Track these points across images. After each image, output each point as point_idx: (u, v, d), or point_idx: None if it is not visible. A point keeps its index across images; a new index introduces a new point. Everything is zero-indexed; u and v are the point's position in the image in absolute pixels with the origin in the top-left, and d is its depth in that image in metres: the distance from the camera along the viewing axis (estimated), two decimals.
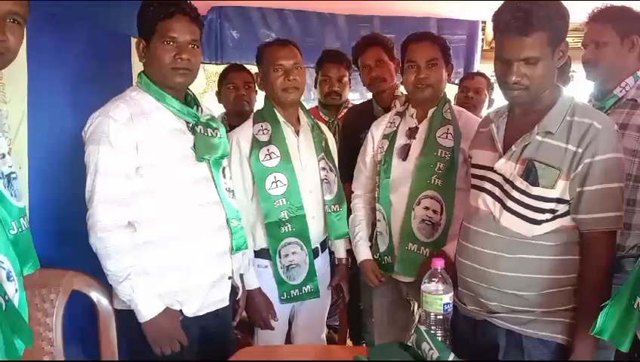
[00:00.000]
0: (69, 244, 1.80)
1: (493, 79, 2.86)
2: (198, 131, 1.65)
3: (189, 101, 1.70)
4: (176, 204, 1.59)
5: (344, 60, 2.76)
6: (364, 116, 2.51)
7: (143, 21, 1.60)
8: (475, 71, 3.61)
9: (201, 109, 1.71)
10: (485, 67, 3.65)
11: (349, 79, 2.83)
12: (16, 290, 1.14)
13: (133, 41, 2.42)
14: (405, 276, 1.98)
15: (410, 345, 1.33)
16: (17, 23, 1.14)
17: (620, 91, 1.88)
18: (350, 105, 2.86)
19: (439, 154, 1.91)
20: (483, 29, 3.96)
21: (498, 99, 2.79)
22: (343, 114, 2.79)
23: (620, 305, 1.13)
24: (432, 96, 1.96)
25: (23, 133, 1.85)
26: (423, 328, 1.32)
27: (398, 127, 2.03)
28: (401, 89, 2.38)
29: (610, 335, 1.14)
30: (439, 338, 1.32)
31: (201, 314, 1.66)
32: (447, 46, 1.99)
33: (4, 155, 1.17)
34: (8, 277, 1.11)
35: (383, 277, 2.05)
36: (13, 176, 1.20)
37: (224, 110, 2.74)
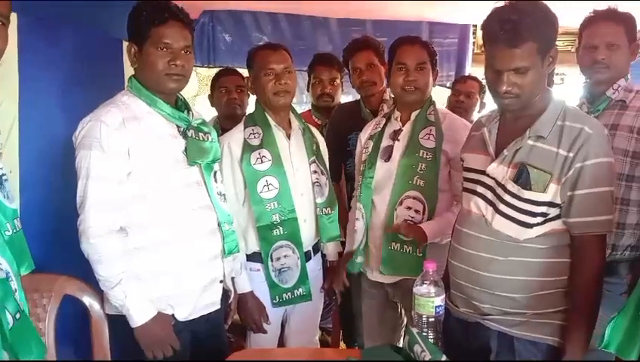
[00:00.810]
0: (59, 248, 1.79)
1: (485, 82, 2.87)
2: (190, 135, 1.65)
3: (180, 105, 1.70)
4: (168, 208, 1.59)
5: (336, 63, 2.77)
6: (351, 117, 2.52)
7: (135, 26, 1.59)
8: (467, 74, 3.63)
9: (192, 113, 1.71)
10: (476, 70, 3.67)
11: (341, 82, 2.84)
12: (15, 290, 1.14)
13: (125, 44, 2.43)
14: (389, 276, 1.99)
15: (402, 347, 1.34)
16: (2, 24, 1.14)
17: (613, 93, 1.90)
18: None
19: (421, 155, 1.92)
20: (474, 33, 3.99)
21: (490, 103, 2.80)
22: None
23: (627, 316, 1.12)
24: (419, 99, 1.97)
25: (14, 136, 1.84)
26: (415, 330, 1.33)
27: (383, 129, 2.05)
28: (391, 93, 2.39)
29: (616, 347, 1.13)
30: (431, 341, 1.33)
31: (192, 319, 1.65)
32: (434, 51, 2.01)
33: None
34: (7, 278, 1.12)
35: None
36: (4, 178, 1.20)
37: (217, 114, 2.74)
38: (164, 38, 1.55)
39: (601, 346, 1.15)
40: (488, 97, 2.90)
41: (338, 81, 2.79)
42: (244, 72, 2.28)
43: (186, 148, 1.63)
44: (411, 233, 1.88)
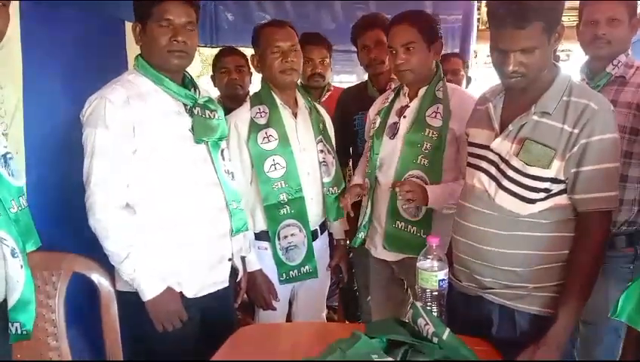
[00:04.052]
0: (66, 229, 1.81)
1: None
2: (196, 113, 1.65)
3: (187, 83, 1.70)
4: (175, 185, 1.61)
5: (325, 42, 2.72)
6: (358, 97, 2.51)
7: (139, 4, 1.59)
8: (449, 52, 3.58)
9: (199, 91, 1.71)
10: (481, 47, 3.64)
11: (330, 61, 2.81)
12: (21, 266, 1.17)
13: (127, 25, 2.42)
14: (392, 252, 2.00)
15: (406, 321, 1.36)
16: (2, 5, 1.15)
17: (613, 69, 1.89)
18: (332, 88, 2.84)
19: (427, 134, 1.90)
20: (478, 9, 3.95)
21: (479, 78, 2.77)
22: (326, 97, 2.76)
23: (639, 286, 1.14)
24: (415, 79, 1.93)
25: (18, 118, 1.85)
26: (419, 304, 1.35)
27: (392, 105, 2.03)
28: None
29: (627, 316, 1.15)
30: (435, 314, 1.35)
31: (200, 296, 1.67)
32: (429, 24, 1.91)
33: None
34: (13, 254, 1.14)
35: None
36: (9, 156, 1.22)
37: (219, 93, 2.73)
38: (165, 14, 1.56)
39: (614, 315, 1.16)
40: (473, 71, 2.88)
41: (328, 60, 2.74)
42: (248, 51, 2.27)
43: (192, 125, 1.64)
44: (414, 191, 1.81)
